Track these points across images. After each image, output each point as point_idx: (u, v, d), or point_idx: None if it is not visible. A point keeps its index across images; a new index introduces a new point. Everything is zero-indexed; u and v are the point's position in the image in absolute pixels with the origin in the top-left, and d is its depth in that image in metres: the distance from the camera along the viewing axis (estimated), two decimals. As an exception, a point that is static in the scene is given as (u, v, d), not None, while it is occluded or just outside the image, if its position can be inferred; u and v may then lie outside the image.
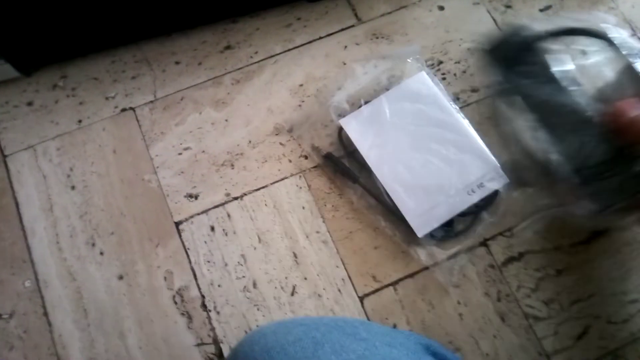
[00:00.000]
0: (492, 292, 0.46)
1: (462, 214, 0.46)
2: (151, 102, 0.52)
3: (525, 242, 0.48)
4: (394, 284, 0.47)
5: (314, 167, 0.50)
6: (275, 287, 0.46)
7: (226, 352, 0.45)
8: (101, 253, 0.47)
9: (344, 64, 0.53)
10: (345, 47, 0.54)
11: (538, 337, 0.45)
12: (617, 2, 0.57)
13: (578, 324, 0.46)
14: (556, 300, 0.46)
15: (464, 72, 0.53)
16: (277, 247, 0.47)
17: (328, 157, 0.49)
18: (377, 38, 0.55)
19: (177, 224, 0.48)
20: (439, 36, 0.55)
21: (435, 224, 0.46)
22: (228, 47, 0.54)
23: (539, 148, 0.40)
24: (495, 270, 0.47)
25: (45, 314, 0.46)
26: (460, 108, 0.51)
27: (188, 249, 0.48)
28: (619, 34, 0.40)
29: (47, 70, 0.53)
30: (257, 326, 0.45)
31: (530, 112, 0.40)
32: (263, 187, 0.49)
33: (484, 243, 0.48)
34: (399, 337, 0.32)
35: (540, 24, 0.44)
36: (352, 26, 0.55)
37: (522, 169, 0.43)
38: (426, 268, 0.47)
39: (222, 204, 0.49)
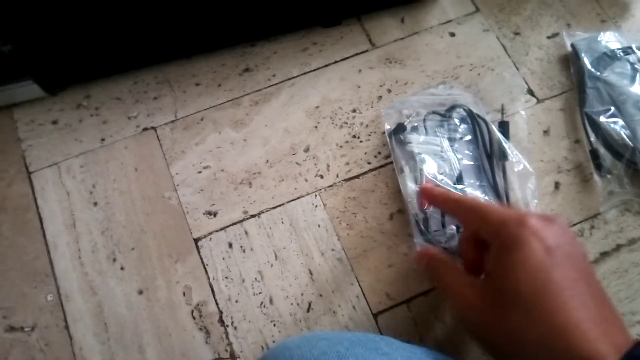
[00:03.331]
0: (503, 310, 0.47)
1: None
2: (172, 121, 0.54)
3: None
4: (407, 301, 0.48)
5: (329, 186, 0.51)
6: (291, 304, 0.47)
7: (243, 367, 0.46)
8: (122, 268, 0.49)
9: (359, 87, 0.55)
10: (360, 70, 0.56)
11: (549, 356, 0.46)
12: (620, 23, 0.59)
13: (588, 344, 0.46)
14: (566, 320, 0.47)
15: (474, 96, 0.55)
16: (293, 264, 0.49)
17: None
18: (390, 62, 0.57)
19: (196, 240, 0.50)
20: (450, 61, 0.57)
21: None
22: (247, 70, 0.56)
23: (621, 138, 0.50)
24: (506, 289, 0.48)
25: (67, 327, 0.47)
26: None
27: (206, 265, 0.49)
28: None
29: (71, 90, 0.55)
30: (274, 342, 0.46)
31: (615, 105, 0.51)
32: (280, 205, 0.51)
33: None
34: (418, 352, 0.33)
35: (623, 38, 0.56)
36: (366, 51, 0.57)
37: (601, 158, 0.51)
38: (439, 286, 0.48)
39: (240, 222, 0.50)
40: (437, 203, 0.42)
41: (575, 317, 0.29)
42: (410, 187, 0.49)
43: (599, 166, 0.51)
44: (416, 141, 0.51)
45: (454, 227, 0.48)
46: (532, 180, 0.50)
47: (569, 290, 0.30)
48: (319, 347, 0.30)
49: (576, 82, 0.56)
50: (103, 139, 0.54)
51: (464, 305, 0.34)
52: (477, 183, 0.50)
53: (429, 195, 0.42)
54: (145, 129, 0.54)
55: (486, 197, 0.49)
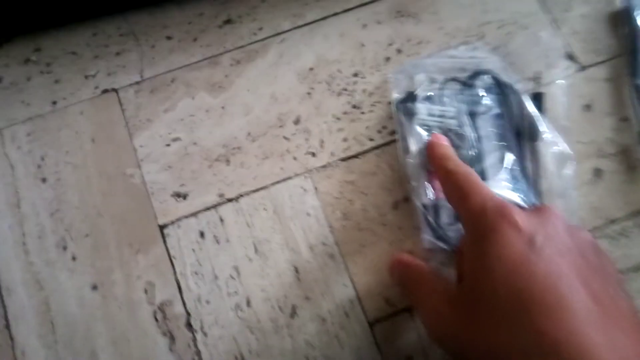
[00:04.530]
0: (525, 322, 0.40)
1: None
2: (137, 83, 0.45)
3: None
4: (410, 309, 0.40)
5: (323, 166, 0.43)
6: (272, 307, 0.40)
7: (213, 379, 0.39)
8: (73, 258, 0.41)
9: (363, 45, 0.46)
10: (365, 25, 0.46)
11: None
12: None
13: None
14: (600, 335, 0.39)
15: (502, 60, 0.45)
16: (276, 260, 0.41)
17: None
18: (402, 16, 0.47)
19: (162, 227, 0.42)
20: (474, 17, 0.47)
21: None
22: (228, 22, 0.47)
23: None
24: (530, 297, 0.40)
25: (7, 326, 0.40)
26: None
27: (173, 257, 0.41)
28: None
29: (18, 41, 0.46)
30: (250, 352, 0.39)
31: None
32: (262, 188, 0.42)
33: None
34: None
35: None
36: (374, 1, 0.47)
37: None
38: (449, 291, 0.40)
39: (215, 206, 0.42)
40: (432, 165, 0.37)
41: (569, 326, 0.23)
42: (418, 171, 0.41)
43: (650, 151, 0.42)
44: (427, 112, 0.42)
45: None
46: (569, 166, 0.41)
47: (562, 290, 0.24)
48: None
49: (627, 46, 0.46)
50: (55, 102, 0.45)
51: (435, 319, 0.30)
52: (502, 167, 0.41)
53: (430, 151, 0.37)
54: (105, 91, 0.45)
55: (512, 185, 0.40)
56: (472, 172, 0.34)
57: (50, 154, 0.44)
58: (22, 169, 0.43)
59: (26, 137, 0.44)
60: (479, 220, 0.29)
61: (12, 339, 0.40)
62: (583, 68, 0.45)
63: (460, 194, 0.32)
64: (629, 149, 0.43)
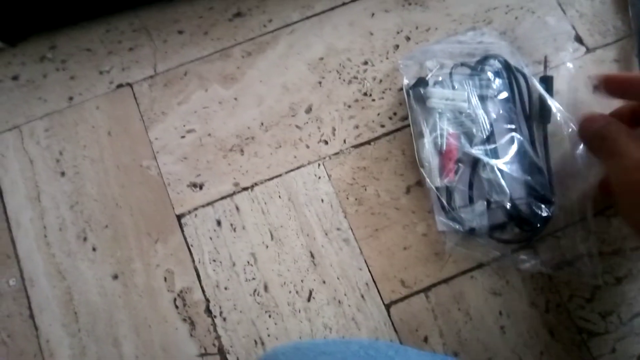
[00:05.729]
0: (539, 302, 0.40)
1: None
2: (151, 77, 0.46)
3: (579, 244, 0.41)
4: (425, 290, 0.40)
5: (335, 153, 0.44)
6: (290, 292, 0.41)
7: (233, 364, 0.39)
8: (94, 249, 0.42)
9: (372, 34, 0.46)
10: (373, 14, 0.47)
11: (593, 356, 0.39)
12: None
13: (640, 341, 0.39)
14: (615, 313, 0.40)
15: (510, 44, 0.46)
16: (292, 246, 0.42)
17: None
18: (410, 4, 0.47)
19: (179, 217, 0.43)
20: (481, 3, 0.47)
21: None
22: (238, 15, 0.48)
23: None
24: (544, 277, 0.40)
25: (32, 316, 0.41)
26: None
27: (191, 245, 0.42)
28: None
29: (34, 40, 0.47)
30: (269, 335, 0.40)
31: None
32: (276, 177, 0.43)
33: (530, 244, 0.41)
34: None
35: None
36: (381, -10, 0.48)
37: None
38: (464, 272, 0.41)
39: (230, 195, 0.43)
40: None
41: None
42: (431, 154, 0.41)
43: (661, 130, 0.42)
44: (439, 96, 0.42)
45: (484, 203, 0.40)
46: (580, 147, 0.41)
47: None
48: (316, 368, 0.24)
49: (635, 27, 0.46)
50: (71, 98, 0.46)
51: None
52: (512, 148, 0.41)
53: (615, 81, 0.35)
54: (119, 86, 0.46)
55: (522, 166, 0.41)
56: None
57: (68, 149, 0.45)
58: (41, 164, 0.44)
59: (44, 133, 0.45)
60: None
61: (36, 328, 0.41)
62: (591, 50, 0.46)
63: None
64: (638, 129, 0.44)
